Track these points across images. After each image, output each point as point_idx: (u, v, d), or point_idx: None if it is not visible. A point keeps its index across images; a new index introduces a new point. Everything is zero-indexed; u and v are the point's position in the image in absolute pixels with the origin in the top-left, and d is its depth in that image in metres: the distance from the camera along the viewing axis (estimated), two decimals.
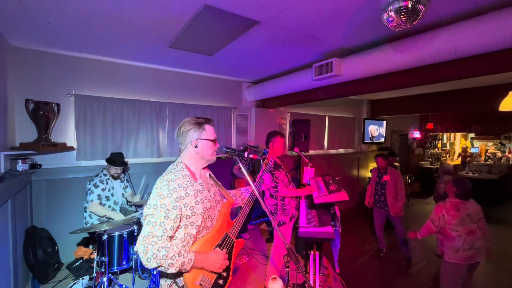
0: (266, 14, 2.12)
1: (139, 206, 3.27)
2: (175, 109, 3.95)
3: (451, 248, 2.33)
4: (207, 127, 1.35)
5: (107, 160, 2.89)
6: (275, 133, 2.69)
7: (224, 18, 2.19)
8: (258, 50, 3.06)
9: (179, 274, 1.23)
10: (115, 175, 2.93)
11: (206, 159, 1.36)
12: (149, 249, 1.08)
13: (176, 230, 1.22)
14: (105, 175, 2.88)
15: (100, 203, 2.74)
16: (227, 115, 4.51)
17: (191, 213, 1.23)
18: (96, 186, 2.75)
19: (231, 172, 4.17)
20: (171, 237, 1.19)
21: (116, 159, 2.91)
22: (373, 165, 6.75)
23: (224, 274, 1.33)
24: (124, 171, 3.19)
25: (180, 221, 1.21)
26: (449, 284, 2.38)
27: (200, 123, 1.33)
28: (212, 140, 1.35)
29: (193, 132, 1.31)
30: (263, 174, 1.87)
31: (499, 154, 8.53)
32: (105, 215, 2.68)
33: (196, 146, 1.31)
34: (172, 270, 1.12)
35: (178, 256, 1.12)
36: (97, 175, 2.85)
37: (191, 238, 1.25)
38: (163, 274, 1.31)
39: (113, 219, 2.67)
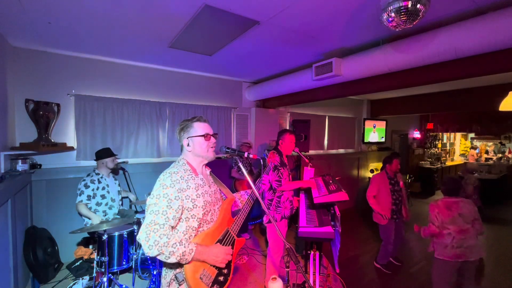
0: (266, 14, 2.12)
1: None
2: (175, 109, 3.95)
3: (440, 244, 2.37)
4: (195, 124, 1.36)
5: (98, 157, 2.88)
6: (284, 131, 2.69)
7: (224, 18, 2.19)
8: (258, 50, 3.06)
9: (179, 267, 1.24)
10: (114, 167, 2.94)
11: (201, 155, 1.36)
12: (151, 236, 1.10)
13: (178, 223, 1.23)
14: (97, 174, 2.85)
15: (87, 205, 2.69)
16: (227, 115, 4.51)
17: (193, 205, 1.25)
18: (86, 186, 2.72)
19: (230, 175, 4.14)
20: (172, 228, 1.19)
21: (107, 151, 2.92)
22: (373, 165, 6.72)
23: (225, 271, 1.33)
24: (120, 169, 3.22)
25: (181, 213, 1.22)
26: (438, 281, 2.43)
27: (188, 122, 1.37)
28: (202, 135, 1.35)
29: (184, 133, 1.36)
30: (263, 174, 1.87)
31: (499, 154, 8.53)
32: (87, 216, 2.66)
33: (188, 145, 1.35)
34: (173, 260, 1.13)
35: (180, 245, 1.13)
36: (88, 175, 2.82)
37: (193, 231, 1.26)
38: (162, 272, 1.31)
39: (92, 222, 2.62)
